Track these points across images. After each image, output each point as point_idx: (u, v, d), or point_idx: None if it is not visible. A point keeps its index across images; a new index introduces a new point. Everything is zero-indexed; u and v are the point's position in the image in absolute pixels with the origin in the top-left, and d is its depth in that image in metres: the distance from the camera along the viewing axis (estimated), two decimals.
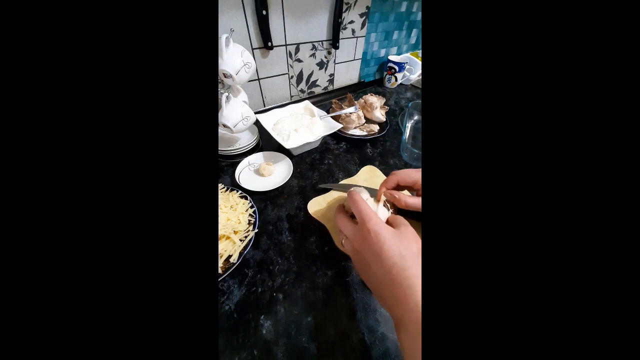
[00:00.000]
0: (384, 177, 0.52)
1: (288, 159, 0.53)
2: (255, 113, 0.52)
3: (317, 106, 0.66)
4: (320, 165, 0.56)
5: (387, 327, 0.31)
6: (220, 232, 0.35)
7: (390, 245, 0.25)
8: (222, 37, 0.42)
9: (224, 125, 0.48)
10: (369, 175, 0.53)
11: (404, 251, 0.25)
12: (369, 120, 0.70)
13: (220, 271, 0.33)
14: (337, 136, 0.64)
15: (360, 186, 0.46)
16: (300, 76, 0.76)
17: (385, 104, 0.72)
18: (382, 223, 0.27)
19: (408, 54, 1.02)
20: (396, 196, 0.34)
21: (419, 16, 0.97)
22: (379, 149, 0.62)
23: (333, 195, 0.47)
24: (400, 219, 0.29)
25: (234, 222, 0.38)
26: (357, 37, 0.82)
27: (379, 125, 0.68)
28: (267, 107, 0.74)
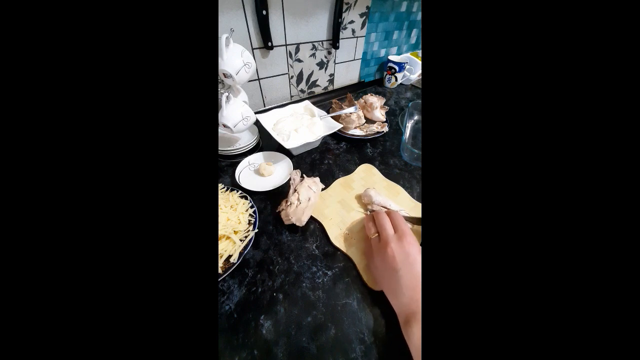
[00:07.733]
0: (381, 176, 0.52)
1: (288, 159, 0.53)
2: (255, 113, 0.52)
3: (317, 106, 0.66)
4: (321, 165, 0.56)
5: (387, 327, 0.31)
6: (220, 232, 0.35)
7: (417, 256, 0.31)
8: (222, 37, 0.42)
9: (224, 125, 0.48)
10: (366, 174, 0.53)
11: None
12: (369, 121, 0.70)
13: (220, 271, 0.33)
14: (337, 136, 0.64)
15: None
16: (300, 76, 0.76)
17: (385, 104, 0.72)
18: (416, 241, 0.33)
19: (408, 54, 1.02)
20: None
21: (419, 16, 0.97)
22: (379, 149, 0.62)
23: (332, 195, 0.47)
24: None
25: (234, 222, 0.38)
26: (357, 37, 0.82)
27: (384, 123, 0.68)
28: (267, 107, 0.73)
